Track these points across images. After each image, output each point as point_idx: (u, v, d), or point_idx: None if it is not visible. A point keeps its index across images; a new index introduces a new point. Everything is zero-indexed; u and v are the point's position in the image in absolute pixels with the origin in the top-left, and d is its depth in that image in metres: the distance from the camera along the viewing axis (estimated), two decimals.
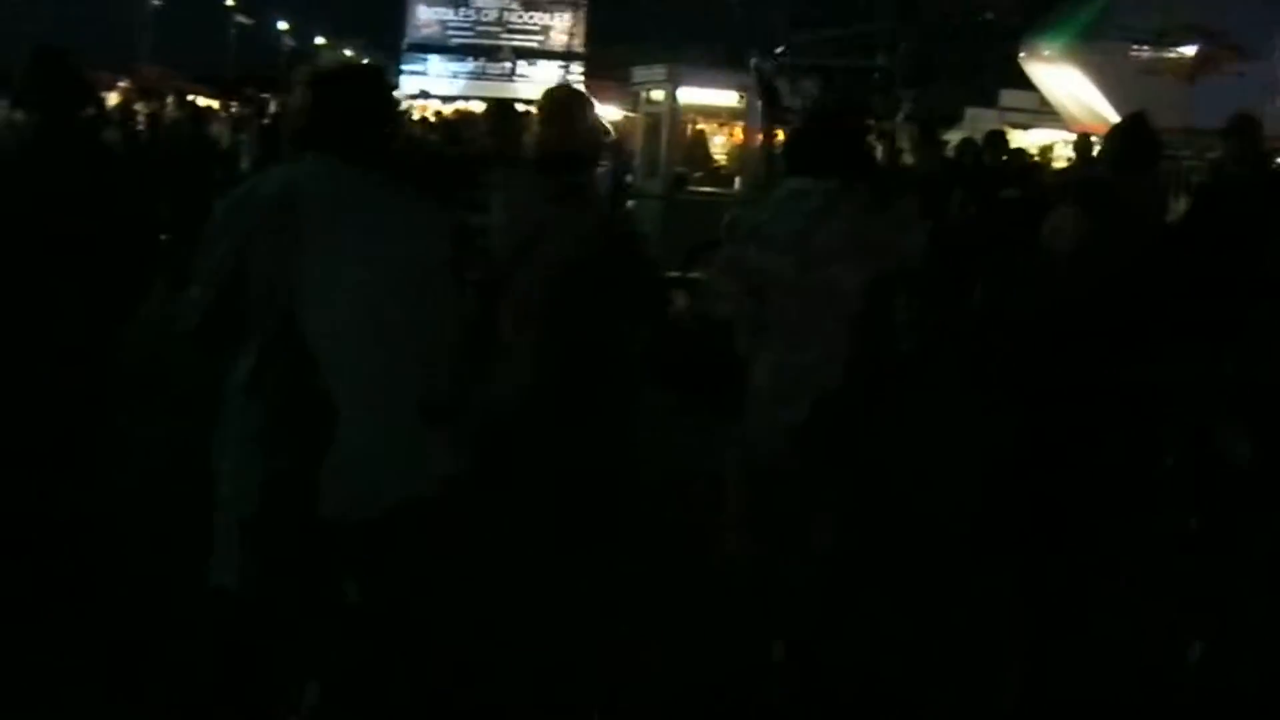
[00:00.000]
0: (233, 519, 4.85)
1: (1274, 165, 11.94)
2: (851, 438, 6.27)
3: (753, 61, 26.35)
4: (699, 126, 25.32)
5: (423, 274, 4.98)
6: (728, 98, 24.86)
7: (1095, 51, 39.18)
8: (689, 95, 24.33)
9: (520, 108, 10.65)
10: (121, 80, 38.59)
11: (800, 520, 6.34)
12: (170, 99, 26.14)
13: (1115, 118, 37.46)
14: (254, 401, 4.77)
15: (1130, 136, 8.64)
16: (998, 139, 16.17)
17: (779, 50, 33.71)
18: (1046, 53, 41.37)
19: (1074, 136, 25.74)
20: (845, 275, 6.28)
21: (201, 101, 35.30)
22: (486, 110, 9.07)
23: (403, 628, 5.35)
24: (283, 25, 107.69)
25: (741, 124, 24.43)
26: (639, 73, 27.81)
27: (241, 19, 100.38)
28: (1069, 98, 40.77)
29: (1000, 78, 49.11)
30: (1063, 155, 32.25)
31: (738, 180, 22.98)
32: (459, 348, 5.21)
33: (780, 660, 6.57)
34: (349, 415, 4.72)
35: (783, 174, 7.47)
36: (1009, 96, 47.36)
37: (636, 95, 27.58)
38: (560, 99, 6.64)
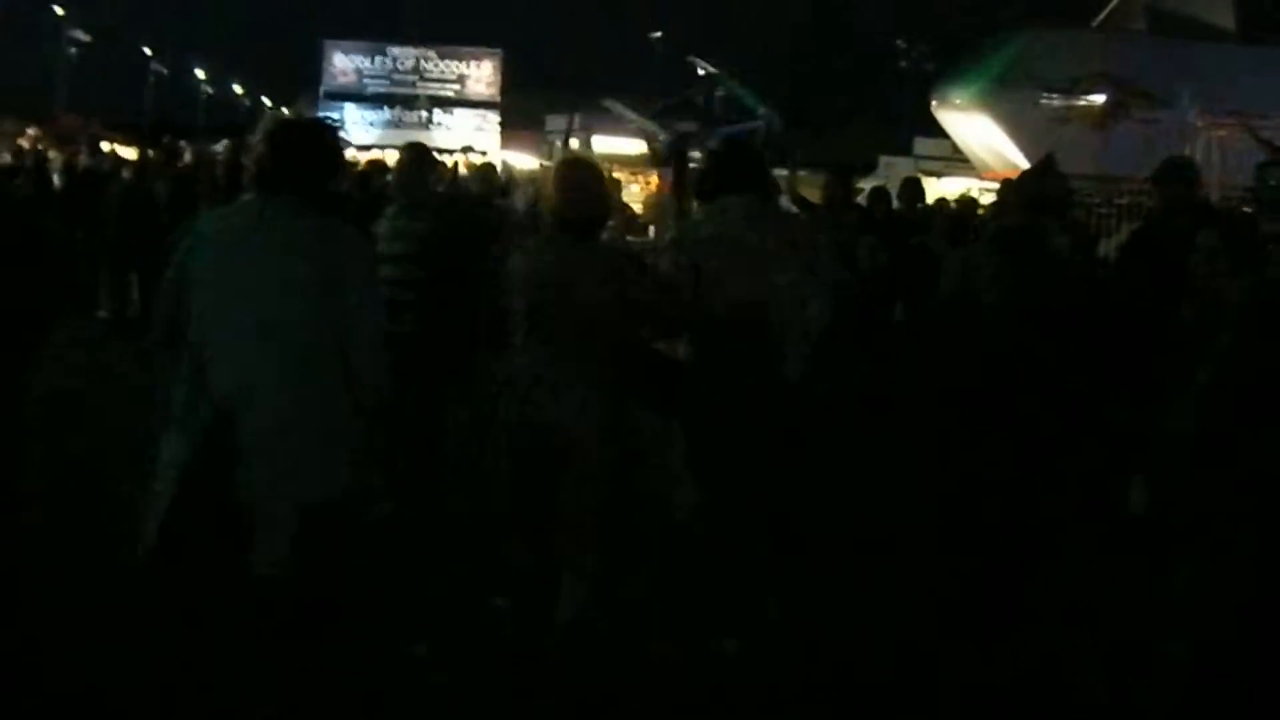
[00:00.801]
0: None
1: (1217, 210, 11.91)
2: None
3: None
4: (613, 175, 25.38)
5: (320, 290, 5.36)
6: (640, 146, 24.88)
7: (1007, 100, 39.67)
8: (603, 144, 24.36)
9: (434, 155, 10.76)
10: (35, 129, 38.31)
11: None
12: (84, 146, 25.94)
13: (1027, 165, 38.04)
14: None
15: (1040, 180, 8.73)
16: (913, 186, 16.20)
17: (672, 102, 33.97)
18: (958, 100, 41.84)
19: (987, 184, 26.02)
20: (777, 273, 7.01)
21: (119, 150, 35.13)
22: (401, 155, 9.14)
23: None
24: (200, 73, 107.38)
25: (655, 172, 24.51)
26: (553, 121, 27.86)
27: (159, 67, 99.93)
28: (981, 145, 41.26)
29: (914, 125, 49.63)
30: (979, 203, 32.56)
31: (652, 229, 23.05)
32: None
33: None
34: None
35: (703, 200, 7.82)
36: (923, 144, 47.85)
37: (551, 144, 27.60)
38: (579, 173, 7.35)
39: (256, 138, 5.94)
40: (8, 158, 20.47)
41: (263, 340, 5.27)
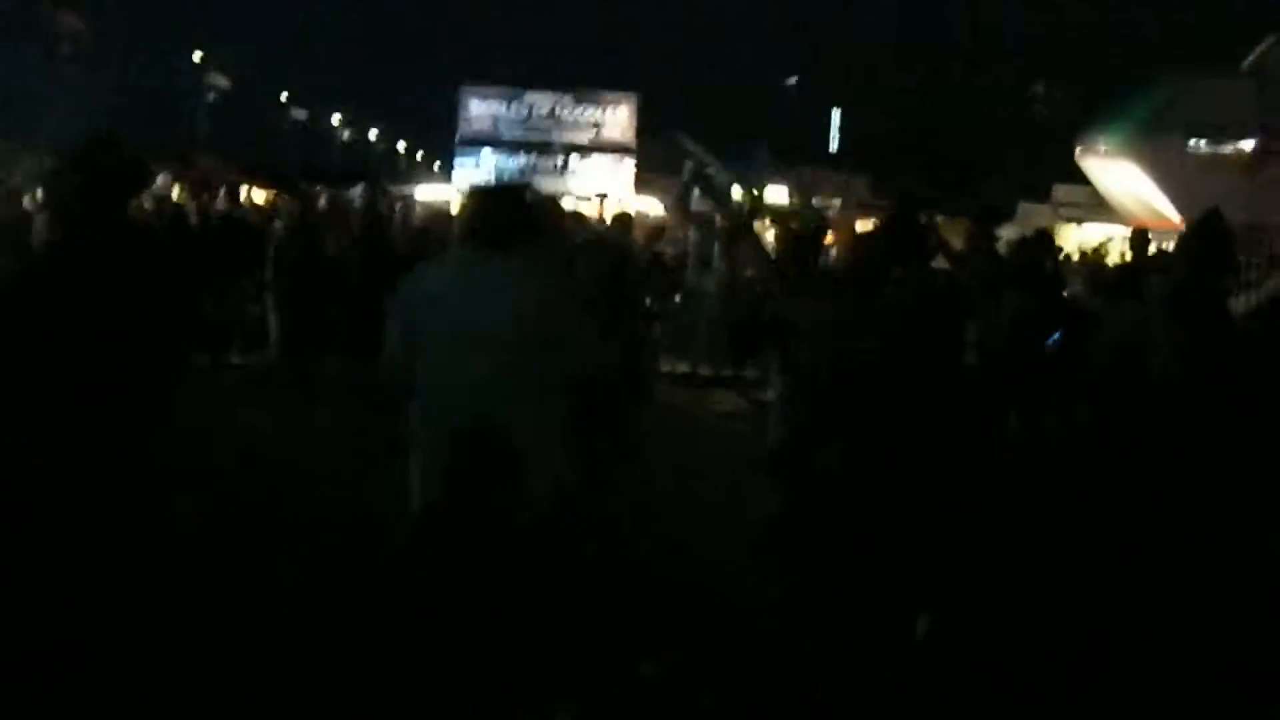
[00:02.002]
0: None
1: None
2: None
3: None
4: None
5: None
6: (780, 193, 24.57)
7: (1153, 146, 39.01)
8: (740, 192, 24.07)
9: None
10: (175, 170, 38.68)
11: None
12: (223, 192, 26.11)
13: (1172, 213, 37.31)
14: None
15: (1209, 238, 8.29)
16: (1045, 238, 15.63)
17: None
18: (1103, 148, 41.18)
19: (1128, 231, 25.46)
20: None
21: (255, 193, 35.38)
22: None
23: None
24: (336, 118, 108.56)
25: (795, 220, 24.16)
26: (687, 167, 27.55)
27: (296, 112, 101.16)
28: (1126, 193, 40.58)
29: (1054, 173, 48.88)
30: (1117, 250, 31.92)
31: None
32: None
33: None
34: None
35: None
36: (1063, 191, 47.09)
37: (684, 192, 27.28)
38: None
39: (465, 200, 7.23)
40: (148, 204, 20.50)
41: (495, 373, 6.20)
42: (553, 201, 10.82)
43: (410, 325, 6.49)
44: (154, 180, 22.56)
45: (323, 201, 22.12)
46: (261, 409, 15.12)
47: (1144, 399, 6.78)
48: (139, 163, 7.24)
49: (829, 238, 13.41)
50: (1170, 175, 38.01)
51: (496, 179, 43.10)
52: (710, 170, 26.69)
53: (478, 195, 7.09)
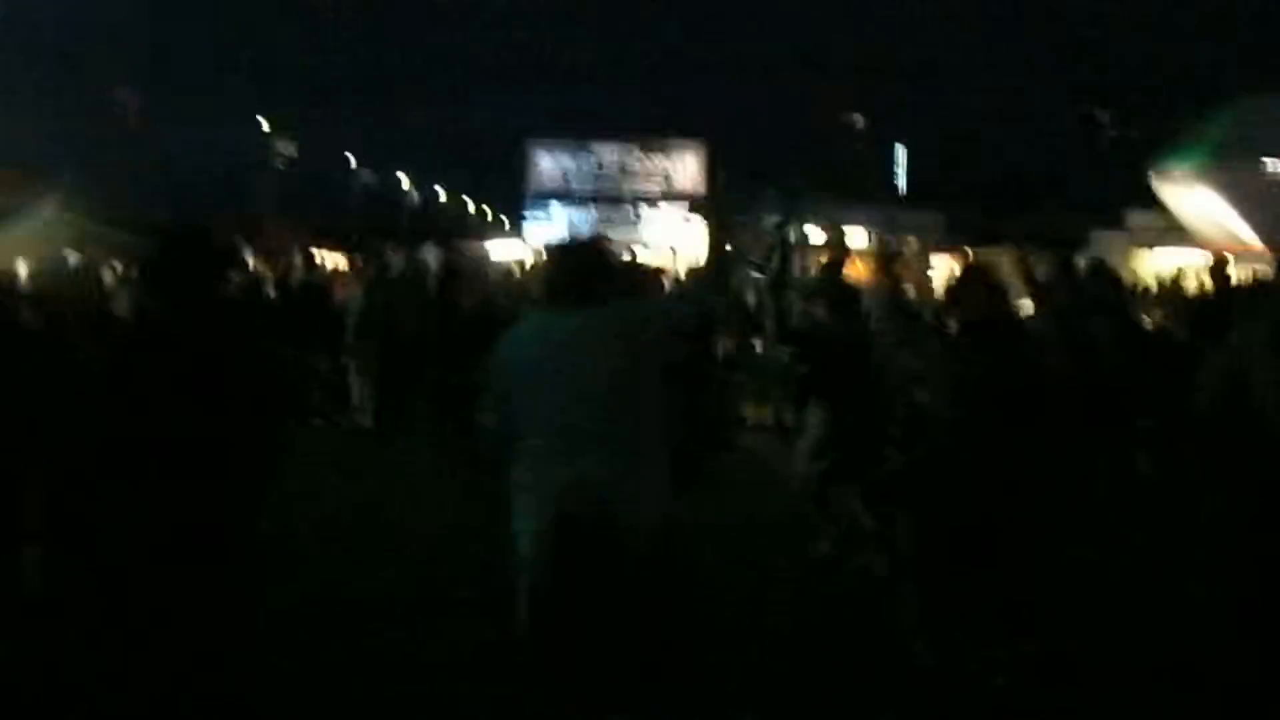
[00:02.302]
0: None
1: None
2: None
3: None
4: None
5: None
6: (858, 236, 24.45)
7: (1228, 169, 38.62)
8: (818, 234, 23.98)
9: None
10: (247, 236, 38.93)
11: None
12: (298, 257, 26.22)
13: (1251, 237, 36.94)
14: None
15: None
16: (1102, 268, 15.26)
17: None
18: (1177, 173, 40.86)
19: (1204, 255, 25.19)
20: None
21: (328, 256, 35.52)
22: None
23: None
24: (404, 177, 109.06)
25: (871, 263, 24.03)
26: (765, 213, 27.50)
27: (363, 174, 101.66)
28: (1201, 217, 40.21)
29: (1125, 198, 48.54)
30: (1194, 277, 31.57)
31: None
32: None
33: None
34: None
35: None
36: (1137, 217, 46.73)
37: (762, 235, 27.23)
38: None
39: (544, 258, 7.81)
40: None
41: (591, 429, 6.44)
42: (631, 254, 10.80)
43: (506, 390, 6.72)
44: (242, 260, 22.73)
45: (398, 263, 22.18)
46: (354, 472, 15.13)
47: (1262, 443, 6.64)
48: (230, 248, 7.30)
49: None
50: (1248, 199, 37.65)
51: (570, 234, 43.24)
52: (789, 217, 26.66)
53: (556, 253, 7.41)
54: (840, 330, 11.19)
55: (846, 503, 10.97)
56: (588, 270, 6.85)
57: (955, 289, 8.59)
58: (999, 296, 8.30)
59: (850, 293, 11.91)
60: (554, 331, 6.74)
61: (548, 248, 8.75)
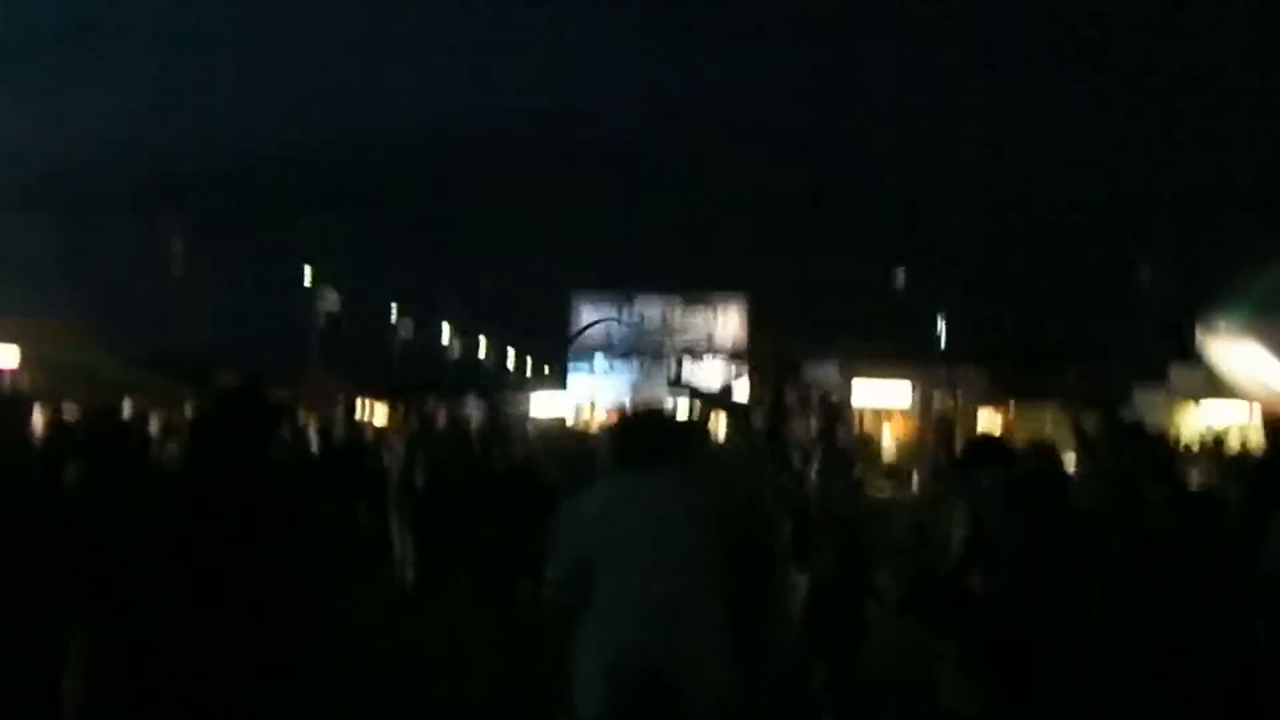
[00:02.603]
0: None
1: None
2: None
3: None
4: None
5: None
6: (901, 393, 24.47)
7: (1277, 324, 38.39)
8: (863, 391, 24.02)
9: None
10: (292, 387, 39.15)
11: None
12: (341, 411, 26.30)
13: None
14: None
15: None
16: (1142, 429, 14.80)
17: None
18: (1224, 327, 40.65)
19: (1249, 409, 24.98)
20: None
21: (370, 408, 35.58)
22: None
23: None
24: (446, 329, 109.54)
25: (916, 419, 24.03)
26: (810, 369, 27.55)
27: (407, 326, 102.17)
28: (1250, 374, 39.93)
29: (1166, 351, 48.27)
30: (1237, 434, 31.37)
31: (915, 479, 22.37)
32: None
33: None
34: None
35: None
36: (1179, 373, 46.47)
37: (805, 391, 27.28)
38: None
39: (614, 425, 7.97)
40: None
41: (665, 591, 6.53)
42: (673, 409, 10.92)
43: (577, 555, 6.75)
44: (292, 415, 22.84)
45: (441, 418, 22.21)
46: (393, 627, 15.04)
47: None
48: (281, 405, 7.32)
49: None
50: None
51: (633, 398, 43.36)
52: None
53: (627, 420, 7.69)
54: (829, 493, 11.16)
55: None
56: (656, 435, 7.10)
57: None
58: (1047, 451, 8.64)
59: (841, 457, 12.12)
60: (626, 495, 6.91)
61: (620, 416, 8.63)
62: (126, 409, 16.78)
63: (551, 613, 7.04)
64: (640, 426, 7.29)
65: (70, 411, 17.23)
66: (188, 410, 16.68)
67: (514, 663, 12.41)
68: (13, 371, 31.11)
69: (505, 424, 22.20)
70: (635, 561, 6.59)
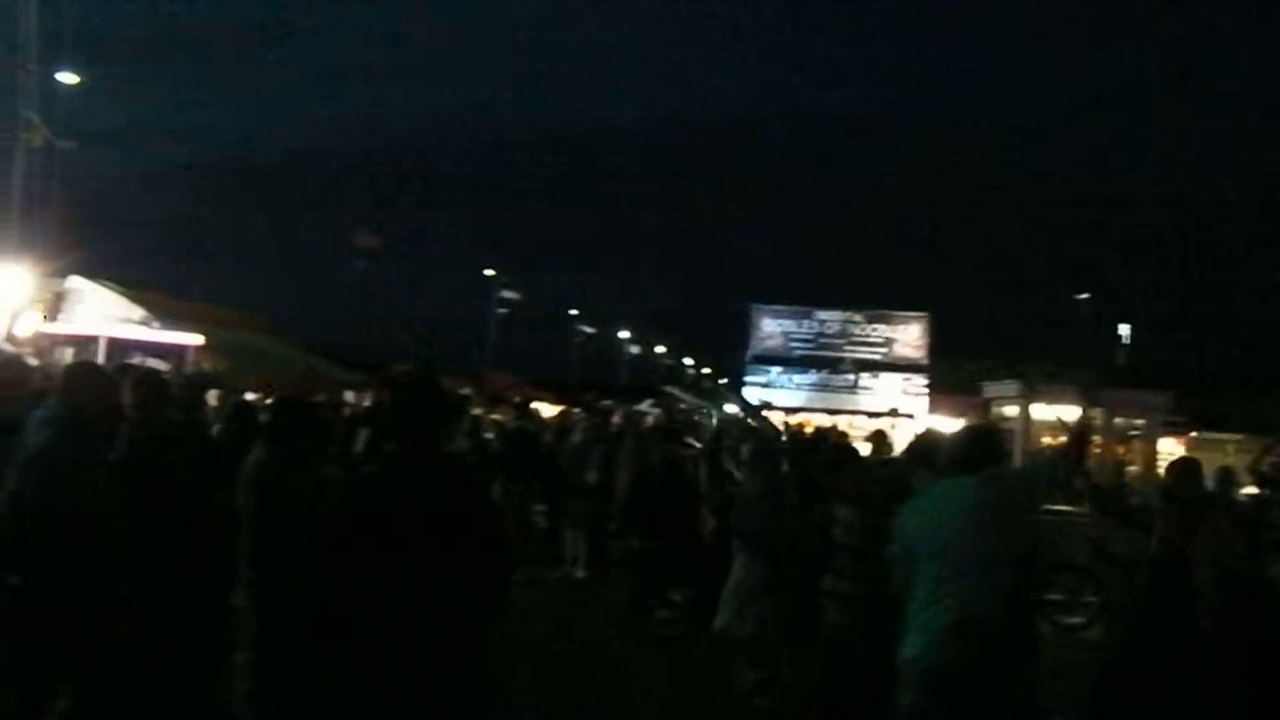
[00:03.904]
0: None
1: None
2: None
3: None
4: (1046, 441, 24.51)
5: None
6: (1077, 416, 23.98)
7: None
8: (1042, 411, 23.54)
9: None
10: (468, 386, 39.37)
11: None
12: (513, 407, 26.40)
13: None
14: None
15: None
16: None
17: None
18: None
19: None
20: None
21: (544, 409, 35.76)
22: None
23: None
24: (624, 334, 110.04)
25: (1100, 439, 23.55)
26: (990, 387, 27.12)
27: (586, 328, 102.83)
28: None
29: None
30: None
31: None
32: None
33: None
34: None
35: None
36: None
37: (985, 408, 26.89)
38: None
39: (956, 436, 8.81)
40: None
41: (978, 581, 7.63)
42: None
43: (909, 547, 8.00)
44: (469, 410, 23.01)
45: (617, 418, 22.20)
46: (563, 623, 15.01)
47: None
48: (459, 399, 7.27)
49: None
50: None
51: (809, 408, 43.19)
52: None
53: (967, 431, 8.96)
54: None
55: None
56: (985, 444, 8.40)
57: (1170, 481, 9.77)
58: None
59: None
60: (957, 495, 8.04)
61: (962, 429, 9.78)
62: (315, 397, 16.97)
63: (893, 585, 8.13)
64: (971, 439, 8.49)
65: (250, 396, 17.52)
66: (367, 399, 16.81)
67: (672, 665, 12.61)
68: (196, 348, 31.58)
69: (680, 427, 22.15)
70: (969, 543, 7.79)
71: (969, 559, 7.81)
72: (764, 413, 34.33)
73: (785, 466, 13.32)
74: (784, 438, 21.51)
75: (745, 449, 13.56)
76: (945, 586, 7.80)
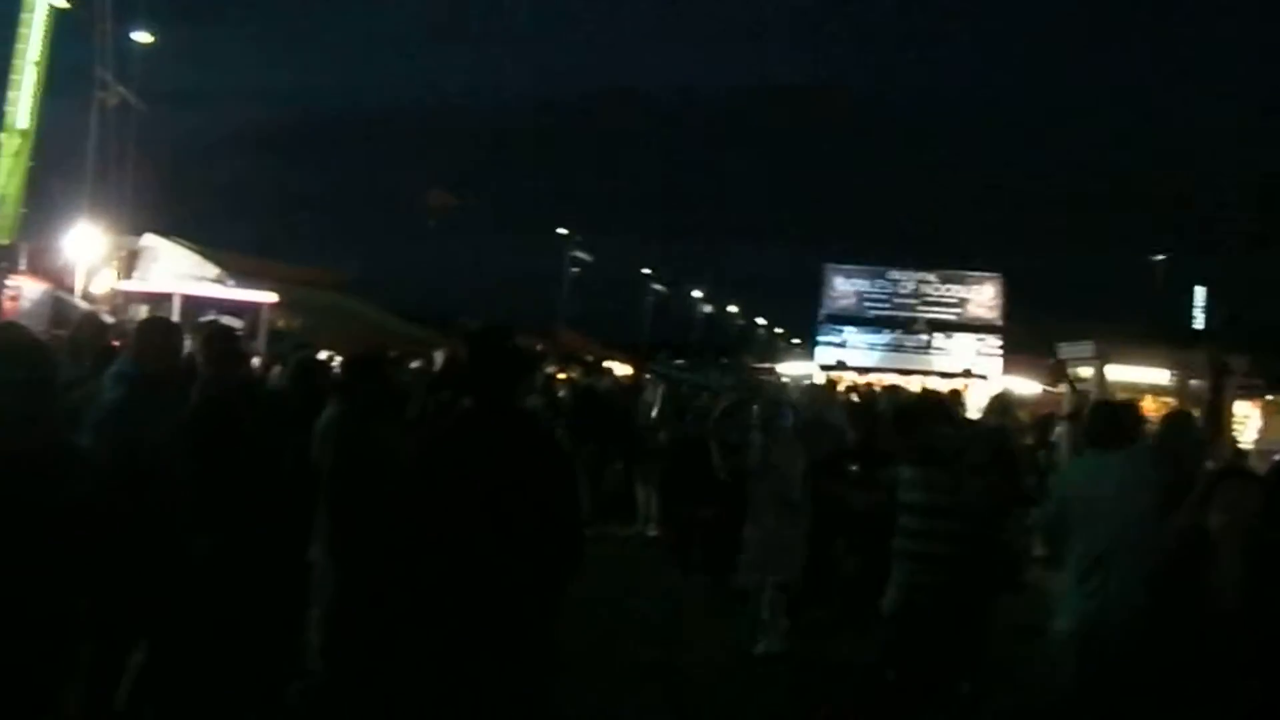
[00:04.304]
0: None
1: None
2: None
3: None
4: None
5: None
6: (1159, 375, 23.72)
7: None
8: (1118, 372, 23.29)
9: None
10: (541, 345, 39.38)
11: None
12: (586, 364, 26.45)
13: None
14: None
15: None
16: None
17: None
18: None
19: None
20: None
21: (616, 368, 35.73)
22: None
23: None
24: (697, 294, 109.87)
25: (1175, 401, 23.28)
26: (1064, 348, 26.83)
27: (658, 287, 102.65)
28: None
29: None
30: None
31: None
32: None
33: None
34: None
35: None
36: None
37: (1060, 369, 26.58)
38: None
39: (1094, 410, 9.46)
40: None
41: (1130, 543, 7.76)
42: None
43: (1063, 509, 8.52)
44: (542, 368, 23.03)
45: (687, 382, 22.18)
46: (634, 587, 14.94)
47: None
48: (533, 353, 7.21)
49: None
50: None
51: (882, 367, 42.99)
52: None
53: (1105, 407, 9.65)
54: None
55: None
56: (1126, 420, 8.92)
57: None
58: None
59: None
60: (1102, 468, 8.46)
61: (1098, 403, 10.78)
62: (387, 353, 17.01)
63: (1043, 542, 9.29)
64: (1109, 415, 9.02)
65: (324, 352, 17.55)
66: (439, 356, 16.80)
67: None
68: (270, 306, 31.73)
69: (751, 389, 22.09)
70: (1112, 515, 8.02)
71: (1120, 533, 7.93)
72: (836, 372, 34.28)
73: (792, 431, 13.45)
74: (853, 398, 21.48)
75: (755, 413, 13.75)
76: (1097, 560, 8.03)
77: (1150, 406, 23.75)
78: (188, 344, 9.17)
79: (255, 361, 18.34)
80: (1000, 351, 61.22)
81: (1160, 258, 65.20)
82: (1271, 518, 6.50)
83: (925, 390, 18.65)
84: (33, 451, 4.84)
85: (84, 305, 29.90)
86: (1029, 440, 19.79)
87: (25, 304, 28.82)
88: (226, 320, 22.94)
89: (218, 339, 9.05)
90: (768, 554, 12.54)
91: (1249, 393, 34.04)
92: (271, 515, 7.88)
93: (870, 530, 10.41)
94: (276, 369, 14.92)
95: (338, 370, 10.88)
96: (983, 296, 64.86)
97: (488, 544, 6.21)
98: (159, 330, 8.55)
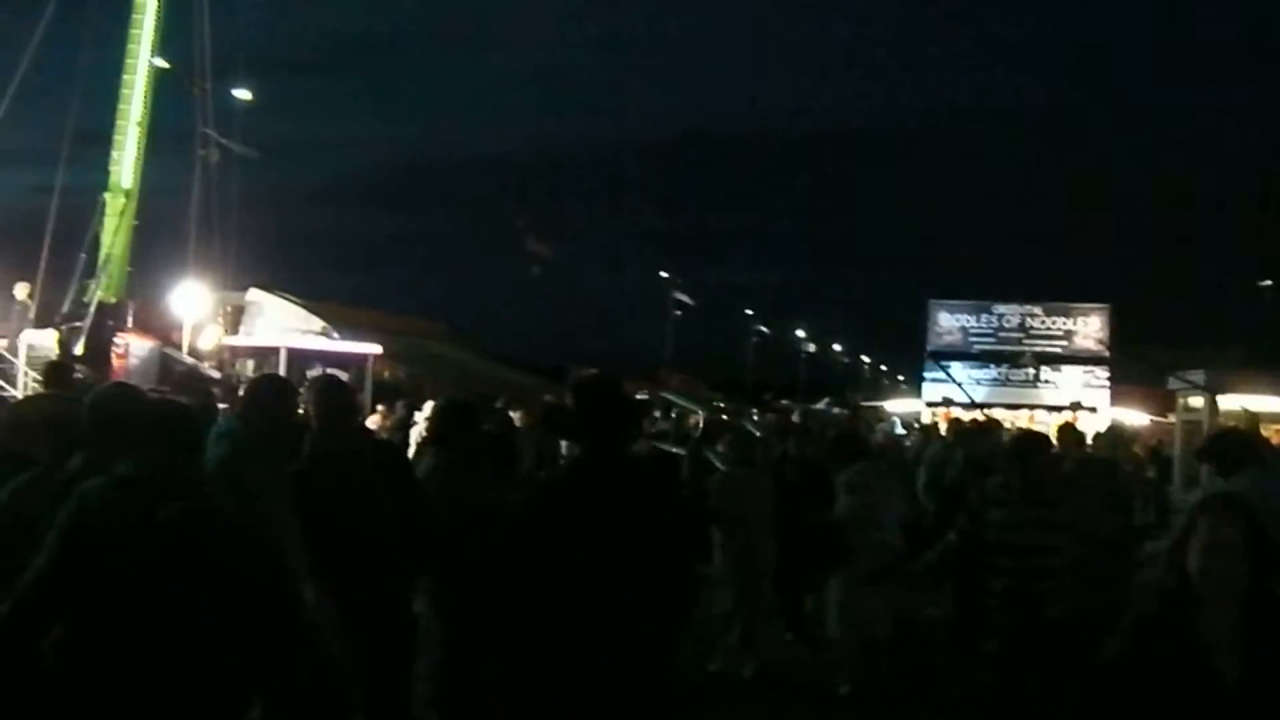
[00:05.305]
0: None
1: None
2: None
3: None
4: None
5: None
6: (1272, 403, 23.33)
7: None
8: (1231, 401, 22.96)
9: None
10: (645, 391, 39.45)
11: None
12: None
13: None
14: None
15: None
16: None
17: None
18: None
19: None
20: None
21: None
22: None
23: None
24: (801, 333, 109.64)
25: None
26: (1174, 379, 26.49)
27: (761, 327, 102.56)
28: None
29: None
30: None
31: None
32: None
33: None
34: None
35: None
36: None
37: (1170, 400, 26.32)
38: None
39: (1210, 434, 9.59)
40: None
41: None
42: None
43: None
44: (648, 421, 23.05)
45: (795, 417, 22.12)
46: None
47: None
48: (643, 402, 7.26)
49: None
50: None
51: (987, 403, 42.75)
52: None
53: (1222, 432, 10.77)
54: None
55: None
56: (1243, 443, 9.36)
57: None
58: None
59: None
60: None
61: (1218, 431, 11.69)
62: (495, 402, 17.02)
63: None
64: (1227, 441, 9.50)
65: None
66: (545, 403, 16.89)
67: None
68: (376, 357, 32.05)
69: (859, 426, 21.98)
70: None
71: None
72: (942, 408, 34.01)
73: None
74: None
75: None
76: None
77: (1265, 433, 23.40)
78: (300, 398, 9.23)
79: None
80: (1108, 383, 60.66)
81: (1268, 283, 64.45)
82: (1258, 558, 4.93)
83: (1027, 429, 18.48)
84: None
85: (190, 361, 30.34)
86: (1150, 473, 19.62)
87: (133, 361, 29.33)
88: (332, 373, 23.14)
89: (332, 393, 9.09)
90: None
91: None
92: (380, 568, 7.92)
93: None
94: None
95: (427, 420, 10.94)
96: (1089, 328, 64.26)
97: (603, 594, 6.24)
98: (271, 388, 8.61)
